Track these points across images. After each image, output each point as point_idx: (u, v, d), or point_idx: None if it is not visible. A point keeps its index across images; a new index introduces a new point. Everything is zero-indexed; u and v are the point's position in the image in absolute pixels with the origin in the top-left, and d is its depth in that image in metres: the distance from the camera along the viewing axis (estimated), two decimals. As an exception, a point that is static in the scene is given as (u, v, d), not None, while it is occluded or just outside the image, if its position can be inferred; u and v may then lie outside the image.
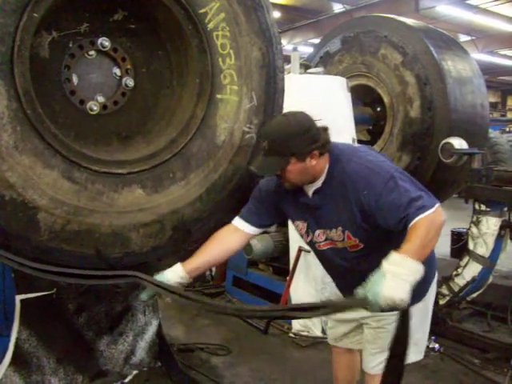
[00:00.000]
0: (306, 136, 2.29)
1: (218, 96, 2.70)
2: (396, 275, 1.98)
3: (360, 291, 2.01)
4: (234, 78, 2.72)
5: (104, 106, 2.81)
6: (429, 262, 2.57)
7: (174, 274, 2.44)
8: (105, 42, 2.71)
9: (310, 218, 2.49)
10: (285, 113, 2.46)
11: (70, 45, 2.65)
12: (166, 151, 2.66)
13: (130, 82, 2.83)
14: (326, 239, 2.47)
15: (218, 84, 2.69)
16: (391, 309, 1.96)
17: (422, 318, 2.60)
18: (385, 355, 2.52)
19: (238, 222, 2.60)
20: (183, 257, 2.57)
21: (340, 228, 2.39)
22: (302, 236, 2.62)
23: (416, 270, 2.02)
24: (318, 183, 2.41)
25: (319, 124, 2.37)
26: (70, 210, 2.36)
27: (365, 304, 1.99)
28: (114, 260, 2.54)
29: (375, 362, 2.61)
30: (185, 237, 2.73)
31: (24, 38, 2.21)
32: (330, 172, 2.38)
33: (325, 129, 2.38)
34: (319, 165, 2.35)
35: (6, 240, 2.30)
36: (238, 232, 2.58)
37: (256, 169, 2.40)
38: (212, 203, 2.73)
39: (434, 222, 2.14)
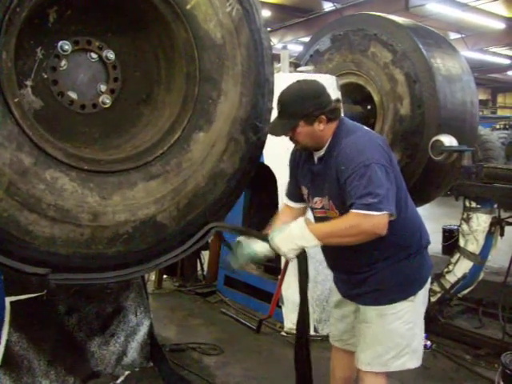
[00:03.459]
0: (316, 101, 2.43)
1: (188, 6, 2.64)
2: (291, 235, 2.41)
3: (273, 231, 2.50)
4: None
5: (112, 91, 2.82)
6: (419, 265, 2.61)
7: (262, 247, 2.59)
8: (64, 45, 2.67)
9: (311, 184, 2.62)
10: (299, 79, 2.55)
11: (49, 76, 2.66)
12: (190, 86, 2.71)
13: (111, 55, 2.81)
14: (322, 207, 2.57)
15: None
16: (283, 255, 2.47)
17: (413, 321, 2.60)
18: (372, 352, 2.57)
19: (285, 199, 2.85)
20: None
21: (327, 197, 2.51)
22: (306, 201, 2.74)
23: (307, 241, 2.39)
24: (322, 151, 2.53)
25: (334, 96, 2.54)
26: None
27: (266, 239, 2.51)
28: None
29: (364, 359, 2.62)
30: (257, 131, 2.90)
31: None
32: (332, 142, 2.49)
33: (337, 100, 2.53)
34: (326, 131, 2.48)
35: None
36: (290, 208, 2.83)
37: (269, 130, 2.61)
38: (252, 88, 2.81)
39: (363, 225, 2.26)
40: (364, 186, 2.26)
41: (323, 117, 2.43)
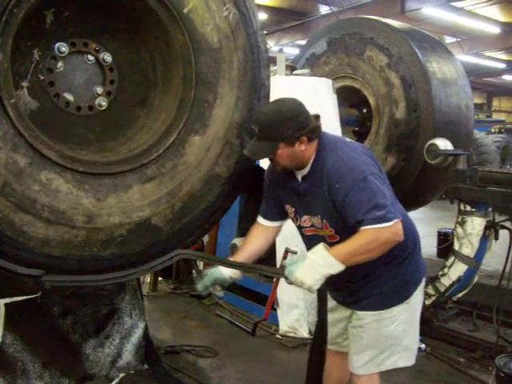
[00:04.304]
0: (295, 122, 2.35)
1: (185, 10, 2.63)
2: (313, 264, 2.28)
3: (285, 265, 2.36)
4: None
5: (108, 93, 2.82)
6: (414, 267, 2.60)
7: (227, 269, 2.57)
8: (61, 47, 2.66)
9: (297, 203, 2.55)
10: (276, 99, 2.51)
11: (45, 78, 2.65)
12: (186, 89, 2.70)
13: (107, 57, 2.80)
14: (311, 225, 2.52)
15: (177, 1, 2.62)
16: (308, 288, 2.29)
17: (408, 321, 2.61)
18: (367, 355, 2.57)
19: (259, 218, 2.73)
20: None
21: (319, 216, 2.46)
22: (292, 220, 2.68)
23: (332, 268, 2.27)
24: (306, 170, 2.46)
25: (311, 113, 2.44)
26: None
27: (282, 276, 2.38)
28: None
29: (359, 362, 2.62)
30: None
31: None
32: (316, 160, 2.44)
33: (316, 116, 2.45)
34: (308, 151, 2.41)
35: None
36: (263, 227, 2.72)
37: (248, 153, 2.48)
38: (249, 92, 2.82)
39: (381, 238, 2.25)
40: (367, 199, 2.24)
41: (304, 138, 2.36)
